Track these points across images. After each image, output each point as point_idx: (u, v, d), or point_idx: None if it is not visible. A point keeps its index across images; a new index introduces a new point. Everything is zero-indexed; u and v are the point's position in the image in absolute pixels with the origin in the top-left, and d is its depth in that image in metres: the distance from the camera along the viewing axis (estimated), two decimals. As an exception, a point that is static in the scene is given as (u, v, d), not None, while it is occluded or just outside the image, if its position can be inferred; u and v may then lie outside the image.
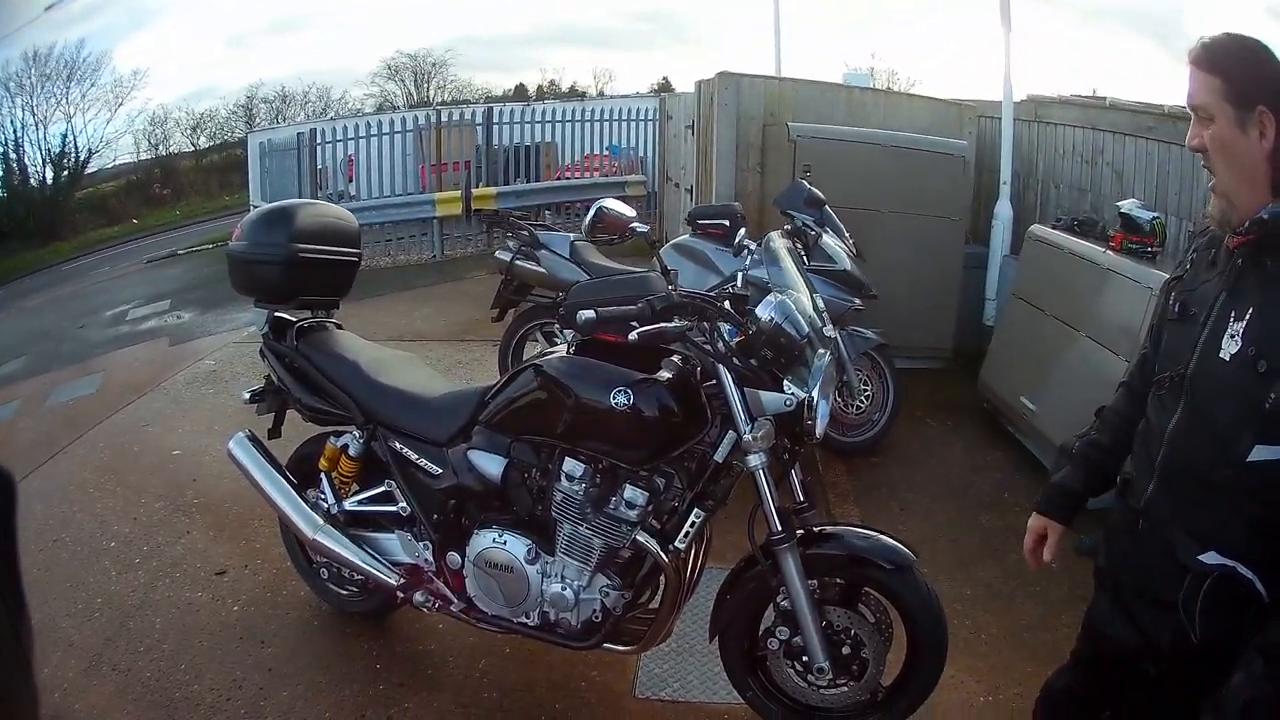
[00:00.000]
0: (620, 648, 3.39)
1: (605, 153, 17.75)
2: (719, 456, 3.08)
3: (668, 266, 3.92)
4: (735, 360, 3.01)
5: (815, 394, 2.94)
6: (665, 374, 3.10)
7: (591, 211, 5.93)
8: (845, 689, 3.27)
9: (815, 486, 5.38)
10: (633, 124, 17.52)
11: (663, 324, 2.93)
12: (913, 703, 3.30)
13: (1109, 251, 5.87)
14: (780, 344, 2.99)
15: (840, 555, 3.19)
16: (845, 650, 3.22)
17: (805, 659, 3.19)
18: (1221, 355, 1.96)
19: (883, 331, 6.17)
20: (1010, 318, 6.98)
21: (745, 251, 5.41)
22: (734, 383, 2.97)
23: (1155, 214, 5.88)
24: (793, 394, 2.95)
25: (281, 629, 4.20)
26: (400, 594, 3.64)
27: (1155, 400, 2.22)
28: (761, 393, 2.98)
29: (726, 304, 3.18)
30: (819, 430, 2.98)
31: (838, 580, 3.25)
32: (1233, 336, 1.94)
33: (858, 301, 5.78)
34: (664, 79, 43.02)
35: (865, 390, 6.17)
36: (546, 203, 15.67)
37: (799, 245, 5.58)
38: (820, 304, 3.33)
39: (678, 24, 73.61)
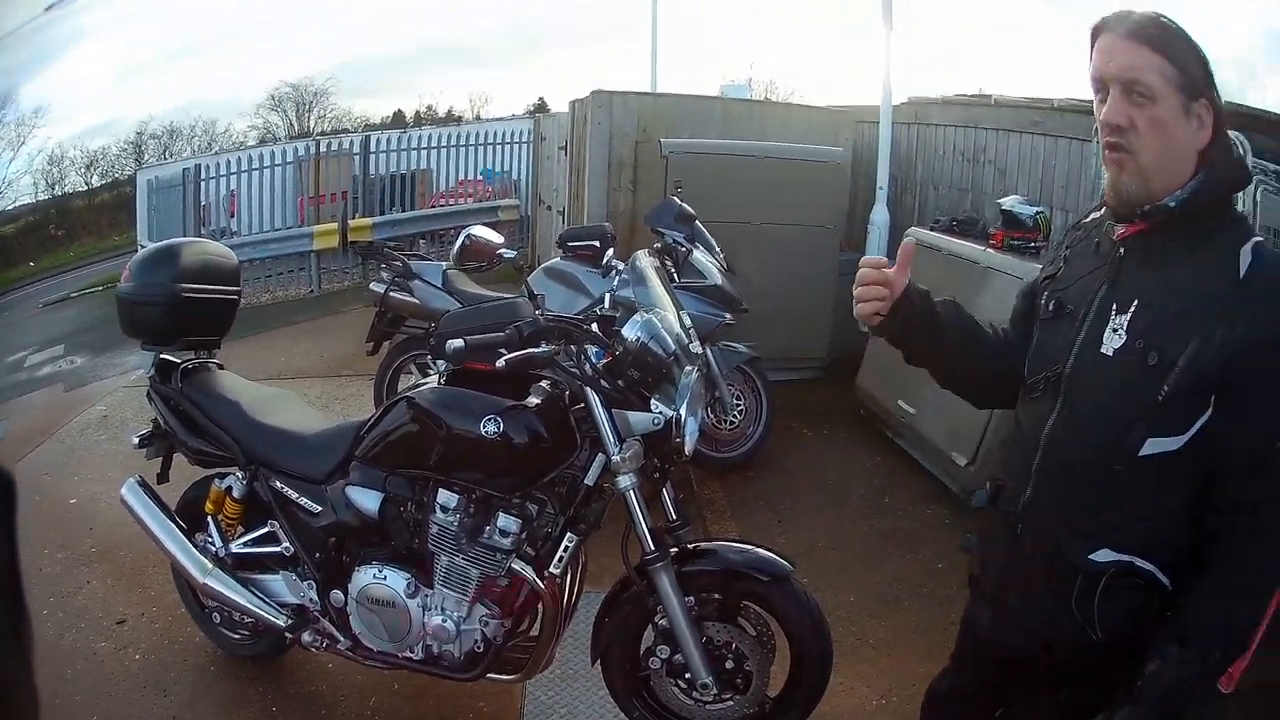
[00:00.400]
0: (504, 677, 3.38)
1: (479, 178, 17.63)
2: (590, 480, 3.08)
3: (536, 291, 3.91)
4: (603, 382, 3.00)
5: (683, 411, 2.95)
6: (534, 400, 3.09)
7: (459, 239, 5.92)
8: (731, 703, 3.28)
9: (691, 504, 5.42)
10: (507, 147, 17.43)
11: (530, 349, 2.92)
12: (801, 713, 3.31)
13: (989, 250, 5.98)
14: (647, 363, 3.00)
15: (715, 571, 3.19)
16: (728, 665, 3.22)
17: (688, 676, 3.19)
18: (1104, 350, 1.95)
19: (756, 345, 6.18)
20: (886, 323, 6.99)
21: (613, 272, 5.40)
22: (602, 404, 2.97)
23: (1039, 208, 5.99)
24: (660, 413, 2.96)
25: (181, 676, 4.12)
26: (289, 635, 3.58)
27: (1027, 404, 2.19)
28: (630, 413, 2.99)
29: (594, 326, 3.18)
30: (689, 448, 3.00)
31: (715, 595, 3.24)
32: (1116, 330, 1.93)
33: (729, 316, 5.80)
34: (540, 99, 42.80)
35: (738, 405, 6.18)
36: (422, 231, 15.61)
37: (669, 263, 5.62)
38: (687, 321, 3.33)
39: (553, 41, 73.48)
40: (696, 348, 3.21)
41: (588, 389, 2.98)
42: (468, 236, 5.89)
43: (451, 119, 42.49)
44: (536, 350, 2.93)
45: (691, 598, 3.16)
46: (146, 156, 42.81)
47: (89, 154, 44.37)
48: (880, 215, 8.26)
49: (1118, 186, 1.92)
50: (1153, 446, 1.88)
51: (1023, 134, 7.44)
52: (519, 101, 55.53)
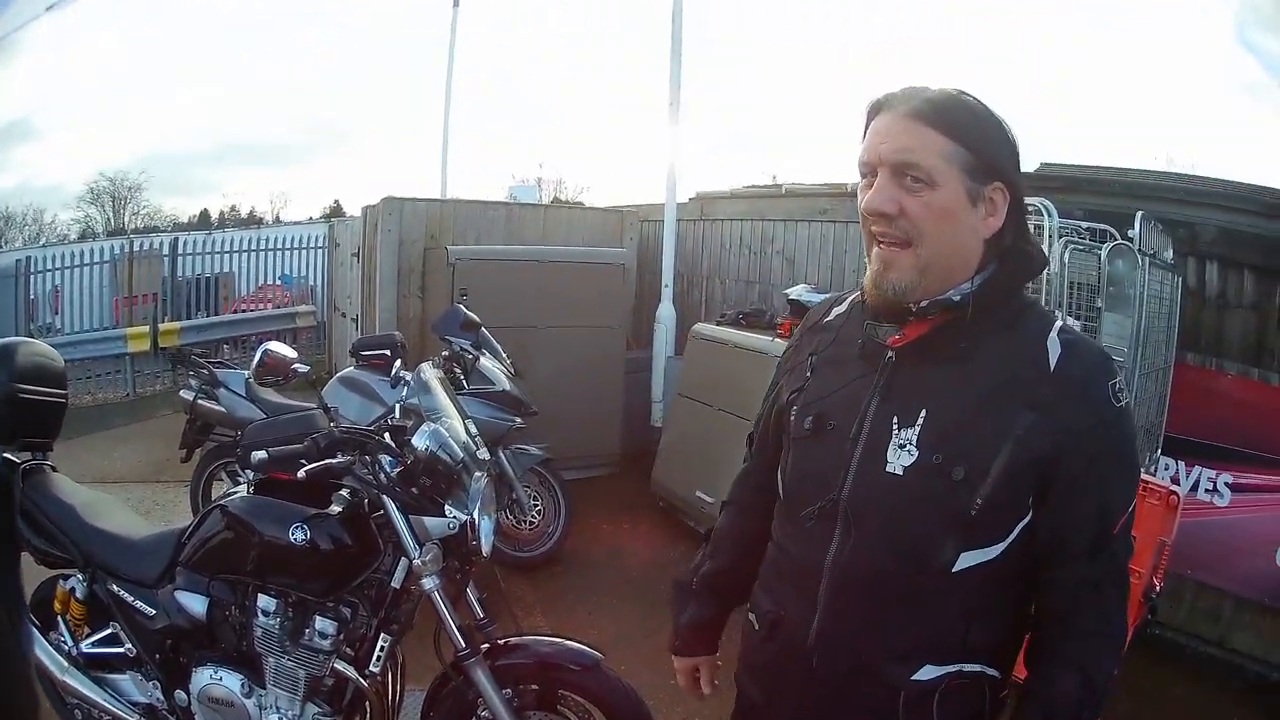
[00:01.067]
0: None
1: (278, 283, 17.58)
2: (396, 583, 3.13)
3: (330, 403, 3.93)
4: (398, 490, 3.07)
5: (476, 515, 3.05)
6: (335, 508, 3.12)
7: (258, 354, 5.92)
8: None
9: (500, 602, 5.41)
10: (304, 251, 17.44)
11: (328, 460, 3.00)
12: None
13: (777, 339, 6.20)
14: (438, 471, 3.07)
15: (528, 663, 3.26)
16: None
17: None
18: (892, 470, 1.72)
19: (549, 445, 6.29)
20: (677, 416, 7.25)
21: (401, 382, 5.45)
22: (400, 511, 3.04)
23: (826, 295, 6.22)
24: (455, 517, 3.04)
25: None
26: None
27: (798, 534, 1.90)
28: (426, 519, 3.05)
29: (387, 435, 3.23)
30: (485, 548, 3.11)
31: (533, 686, 3.30)
32: (903, 446, 1.71)
33: (518, 420, 5.89)
34: (335, 202, 42.76)
35: (536, 504, 6.27)
36: (225, 336, 15.33)
37: (458, 369, 5.71)
38: (474, 428, 3.42)
39: (349, 140, 73.60)
40: (484, 453, 3.31)
41: (385, 497, 3.06)
42: (265, 352, 5.98)
43: (253, 220, 42.16)
44: (334, 460, 3.01)
45: (509, 690, 3.22)
46: None
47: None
48: (666, 311, 8.47)
49: (882, 283, 1.72)
50: (968, 560, 1.69)
51: (810, 222, 7.76)
52: (317, 203, 55.39)
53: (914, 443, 1.70)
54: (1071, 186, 5.50)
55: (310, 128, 72.32)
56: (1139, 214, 4.99)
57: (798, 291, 6.39)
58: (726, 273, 8.94)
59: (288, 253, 17.46)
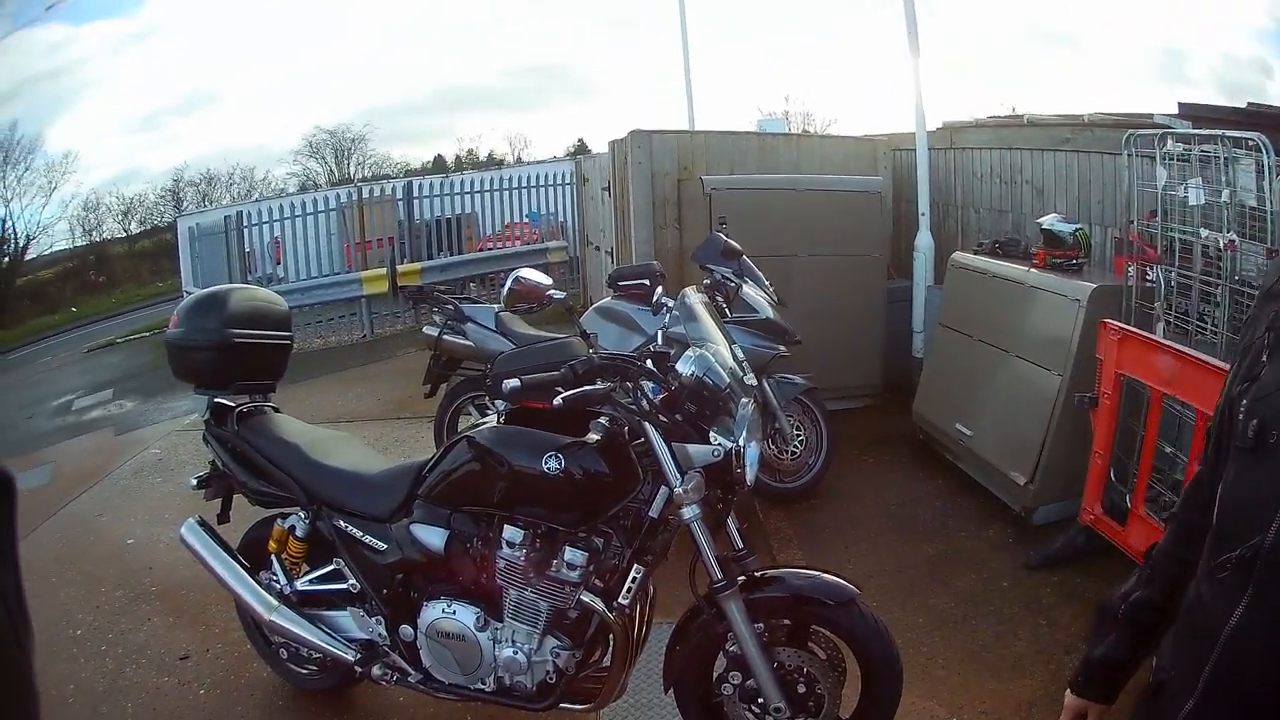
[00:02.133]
0: (577, 707, 3.40)
1: (526, 220, 17.79)
2: (654, 512, 3.10)
3: (588, 330, 3.96)
4: (661, 417, 3.06)
5: (742, 443, 3.00)
6: (594, 436, 3.09)
7: (508, 282, 6.00)
8: None
9: (757, 534, 5.48)
10: (551, 189, 17.65)
11: (586, 387, 2.98)
12: None
13: (1032, 270, 6.00)
14: (703, 397, 3.06)
15: (783, 597, 3.22)
16: (800, 689, 3.24)
17: (760, 701, 3.23)
18: None
19: (811, 375, 6.22)
20: (939, 347, 7.08)
21: (664, 309, 5.44)
22: (661, 439, 3.01)
23: (1077, 225, 6.02)
24: (720, 445, 3.01)
25: (248, 711, 4.20)
26: (358, 669, 3.63)
27: (1211, 580, 1.45)
28: (689, 446, 3.03)
29: (649, 363, 3.21)
30: (750, 477, 3.05)
31: (785, 621, 3.28)
32: None
33: (783, 349, 5.82)
34: (579, 141, 42.98)
35: (798, 435, 6.21)
36: (471, 275, 15.68)
37: (720, 298, 5.69)
38: (740, 354, 3.42)
39: (579, 80, 74.18)
40: (751, 380, 3.28)
41: (646, 424, 3.03)
42: (516, 279, 6.05)
43: (493, 162, 42.97)
44: (593, 388, 3.01)
45: (760, 624, 3.20)
46: (185, 203, 43.60)
47: (125, 201, 45.21)
48: (924, 240, 8.26)
49: None
50: None
51: (1055, 152, 7.45)
52: (559, 143, 55.98)
53: None
54: (1260, 123, 5.11)
55: (535, 70, 73.19)
56: None
57: (1049, 221, 6.13)
58: (979, 202, 8.65)
59: (533, 190, 17.66)
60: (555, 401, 2.95)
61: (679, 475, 3.00)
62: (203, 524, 3.97)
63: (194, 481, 4.07)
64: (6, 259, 40.45)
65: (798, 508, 6.14)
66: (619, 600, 3.15)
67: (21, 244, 41.50)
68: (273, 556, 3.85)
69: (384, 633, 3.58)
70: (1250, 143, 4.70)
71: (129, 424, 10.63)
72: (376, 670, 3.61)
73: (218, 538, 3.94)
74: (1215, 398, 4.11)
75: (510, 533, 3.22)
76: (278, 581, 3.82)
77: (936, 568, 5.26)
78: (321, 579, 3.77)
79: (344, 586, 3.68)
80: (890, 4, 8.63)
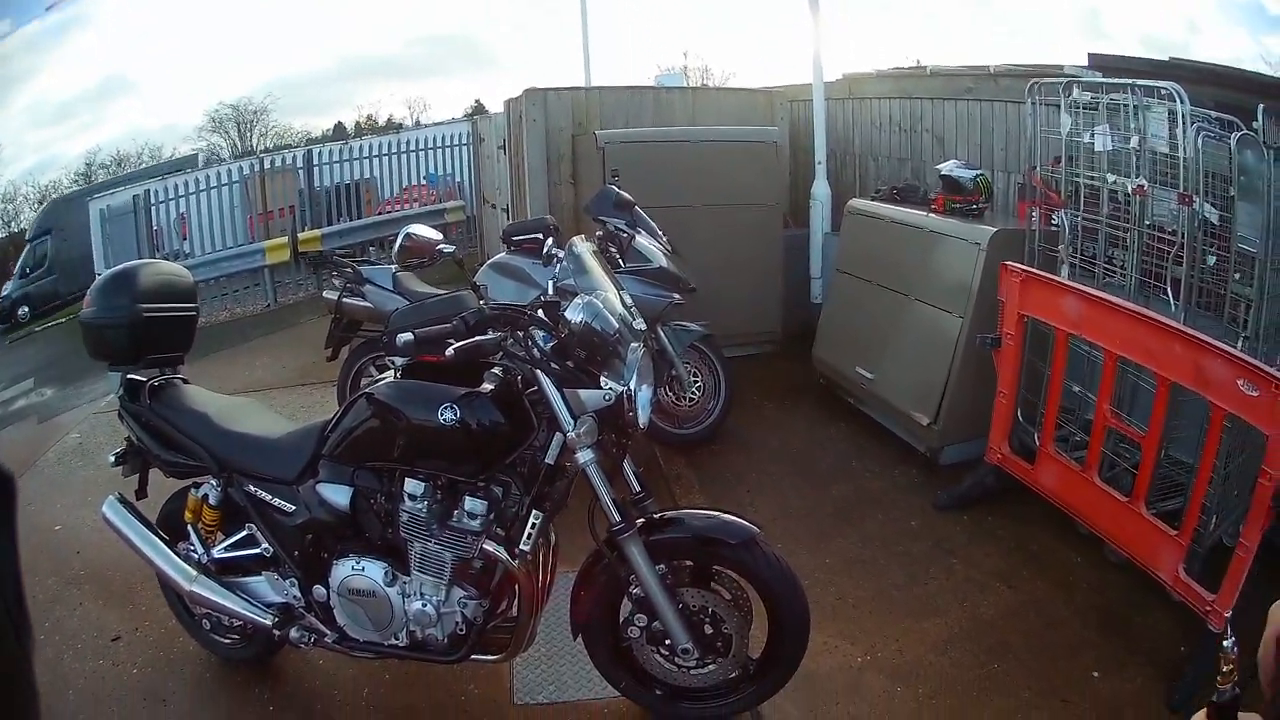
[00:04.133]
0: (489, 658, 3.44)
1: (423, 182, 17.77)
2: (550, 458, 3.16)
3: (481, 284, 3.97)
4: (552, 364, 3.09)
5: (633, 386, 3.03)
6: (488, 386, 3.16)
7: (399, 239, 5.99)
8: (714, 667, 3.39)
9: (659, 481, 5.53)
10: (448, 150, 17.59)
11: (477, 338, 3.00)
12: (785, 671, 3.40)
13: (932, 214, 6.11)
14: (593, 343, 3.10)
15: (683, 537, 3.28)
16: (706, 629, 3.32)
17: (668, 643, 3.30)
18: None
19: (711, 323, 6.27)
20: (836, 292, 7.15)
21: (554, 260, 5.45)
22: (554, 385, 3.06)
23: (978, 171, 6.12)
24: (610, 388, 3.05)
25: (179, 686, 4.18)
26: (276, 633, 3.63)
27: None
28: (581, 391, 3.07)
29: (540, 312, 3.24)
30: (643, 420, 3.10)
31: (687, 562, 3.33)
32: None
33: (677, 296, 5.87)
34: (477, 102, 42.74)
35: (696, 382, 6.26)
36: (371, 238, 15.45)
37: (614, 249, 5.71)
38: (629, 301, 3.42)
39: (479, 47, 73.67)
40: (640, 325, 3.30)
41: (538, 371, 3.08)
42: (406, 235, 6.10)
43: (392, 127, 42.51)
44: (484, 338, 3.02)
45: (662, 565, 3.25)
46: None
47: (41, 189, 44.03)
48: (821, 189, 8.35)
49: None
50: None
51: (958, 101, 7.54)
52: (457, 106, 55.57)
53: None
54: (1198, 79, 5.26)
55: (437, 39, 72.56)
56: (1260, 107, 4.78)
57: (949, 167, 6.22)
58: (878, 151, 8.77)
59: (430, 152, 17.63)
60: (447, 353, 2.96)
61: (572, 420, 3.05)
62: (123, 501, 3.95)
63: (111, 458, 4.04)
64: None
65: (699, 453, 6.19)
66: (520, 547, 3.17)
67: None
68: (189, 527, 3.84)
69: (299, 595, 3.59)
70: (1163, 91, 4.76)
71: (50, 411, 10.47)
72: (294, 633, 3.60)
73: (138, 513, 3.92)
74: (1120, 338, 4.10)
75: (411, 486, 3.24)
76: (195, 551, 3.81)
77: (843, 510, 5.34)
78: (236, 545, 3.76)
79: (258, 551, 3.68)
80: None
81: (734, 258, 7.54)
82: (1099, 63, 6.06)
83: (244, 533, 3.72)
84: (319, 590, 3.52)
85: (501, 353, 3.12)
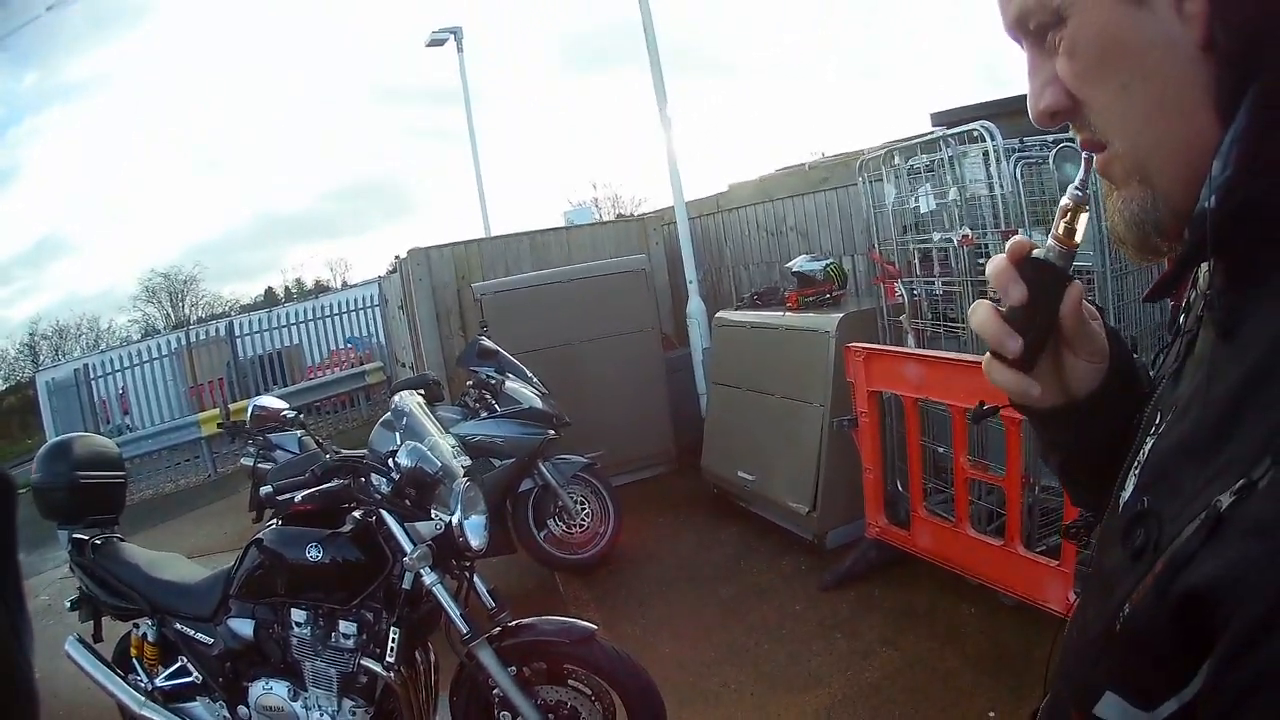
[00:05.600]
0: None
1: (348, 345, 18.19)
2: (406, 584, 3.57)
3: (375, 447, 4.42)
4: (392, 502, 3.58)
5: (457, 515, 3.50)
6: (347, 527, 3.64)
7: (250, 408, 6.54)
8: None
9: (558, 604, 5.85)
10: (365, 312, 18.00)
11: (323, 485, 3.53)
12: None
13: (787, 312, 6.47)
14: (421, 481, 3.60)
15: (529, 640, 3.68)
16: None
17: None
18: (1122, 497, 1.01)
19: (602, 453, 6.70)
20: (714, 403, 7.54)
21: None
22: (396, 520, 3.55)
23: (827, 260, 6.52)
24: (440, 519, 3.53)
25: None
26: None
27: None
28: (419, 524, 3.55)
29: (390, 460, 3.67)
30: (474, 543, 3.54)
31: (540, 664, 3.74)
32: (1136, 465, 0.99)
33: (552, 432, 6.26)
34: (396, 258, 43.11)
35: (584, 509, 6.60)
36: (299, 404, 15.65)
37: (488, 394, 6.13)
38: (453, 443, 3.88)
39: (392, 196, 74.61)
40: (464, 461, 3.74)
41: (380, 509, 3.58)
42: (256, 407, 6.71)
43: (320, 289, 42.79)
44: (329, 485, 3.55)
45: (514, 667, 3.64)
46: (41, 357, 42.80)
47: (-13, 356, 44.15)
48: (695, 306, 8.70)
49: (1114, 209, 0.96)
50: (1111, 711, 0.90)
51: (815, 194, 7.98)
52: (379, 263, 55.95)
53: (1141, 462, 0.99)
54: (1015, 110, 5.57)
55: (351, 192, 73.38)
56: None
57: (798, 263, 6.63)
58: (750, 257, 9.21)
59: (345, 315, 18.10)
60: (297, 499, 3.51)
61: (412, 547, 3.50)
62: (81, 640, 4.39)
63: (68, 604, 4.50)
64: None
65: (595, 575, 6.49)
66: (387, 659, 3.57)
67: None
68: (135, 660, 4.31)
69: (227, 715, 4.01)
70: (974, 134, 5.01)
71: None
72: None
73: (94, 651, 4.37)
74: (961, 390, 4.40)
75: (297, 615, 3.71)
76: (142, 681, 4.25)
77: (730, 606, 5.61)
78: (172, 675, 4.21)
79: (191, 679, 4.14)
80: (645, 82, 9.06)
81: (619, 386, 7.94)
82: (941, 119, 6.30)
83: (178, 664, 4.18)
84: (242, 710, 3.93)
85: (355, 498, 3.60)
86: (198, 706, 4.15)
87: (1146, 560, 0.82)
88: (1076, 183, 1.04)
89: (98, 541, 4.39)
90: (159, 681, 4.23)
